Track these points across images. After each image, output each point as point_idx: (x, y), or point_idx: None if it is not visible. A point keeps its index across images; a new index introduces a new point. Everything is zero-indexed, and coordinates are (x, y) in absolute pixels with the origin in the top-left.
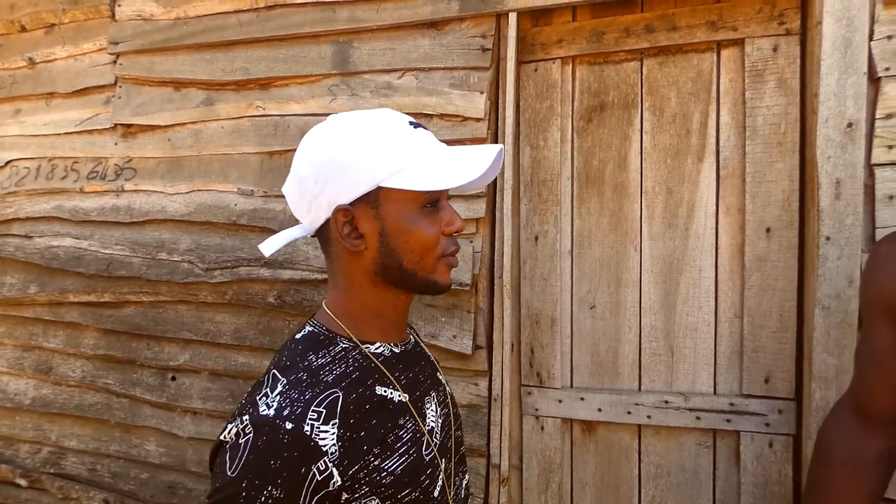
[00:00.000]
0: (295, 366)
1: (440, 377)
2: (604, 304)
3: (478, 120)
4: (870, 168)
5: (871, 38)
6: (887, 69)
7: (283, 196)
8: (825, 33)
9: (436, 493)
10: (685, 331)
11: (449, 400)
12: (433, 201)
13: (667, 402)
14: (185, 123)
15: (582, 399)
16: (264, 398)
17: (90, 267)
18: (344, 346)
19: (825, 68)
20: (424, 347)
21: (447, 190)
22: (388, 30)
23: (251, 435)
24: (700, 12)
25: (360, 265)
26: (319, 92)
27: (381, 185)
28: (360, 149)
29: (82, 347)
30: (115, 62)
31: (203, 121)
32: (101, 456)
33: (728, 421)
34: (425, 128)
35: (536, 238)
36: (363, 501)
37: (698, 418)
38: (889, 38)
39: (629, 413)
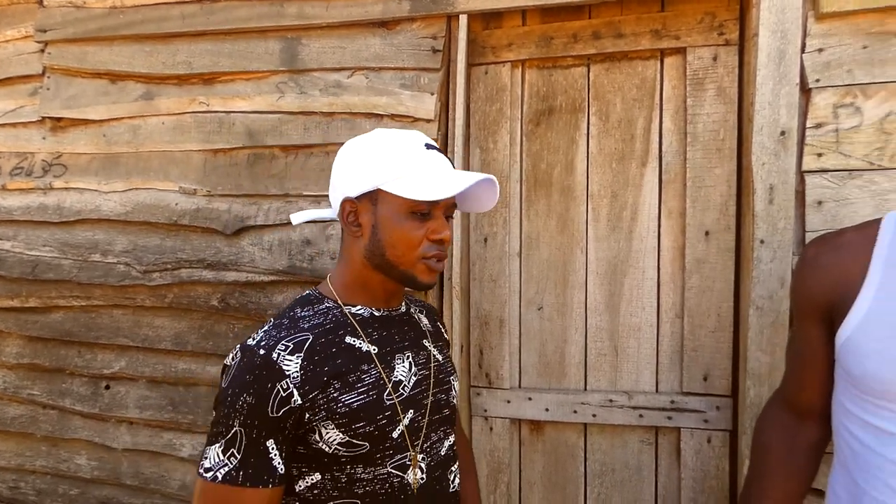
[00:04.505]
0: (283, 315)
1: (426, 344)
2: (551, 306)
3: (428, 121)
4: (801, 175)
5: (803, 51)
6: (818, 80)
7: (228, 195)
8: (761, 45)
9: (395, 435)
10: (629, 331)
11: (433, 365)
12: (423, 211)
13: (611, 400)
14: (121, 118)
15: (530, 399)
16: (254, 335)
17: (13, 270)
18: (328, 305)
19: (760, 78)
20: (422, 319)
21: (443, 205)
22: (339, 28)
23: (238, 358)
24: (645, 21)
25: (357, 248)
26: (267, 89)
27: (380, 187)
28: (372, 156)
29: (4, 356)
30: (42, 51)
31: (142, 116)
32: (24, 472)
33: (669, 418)
34: (440, 150)
35: (486, 240)
36: (322, 424)
37: (641, 416)
38: (820, 50)
39: (575, 412)
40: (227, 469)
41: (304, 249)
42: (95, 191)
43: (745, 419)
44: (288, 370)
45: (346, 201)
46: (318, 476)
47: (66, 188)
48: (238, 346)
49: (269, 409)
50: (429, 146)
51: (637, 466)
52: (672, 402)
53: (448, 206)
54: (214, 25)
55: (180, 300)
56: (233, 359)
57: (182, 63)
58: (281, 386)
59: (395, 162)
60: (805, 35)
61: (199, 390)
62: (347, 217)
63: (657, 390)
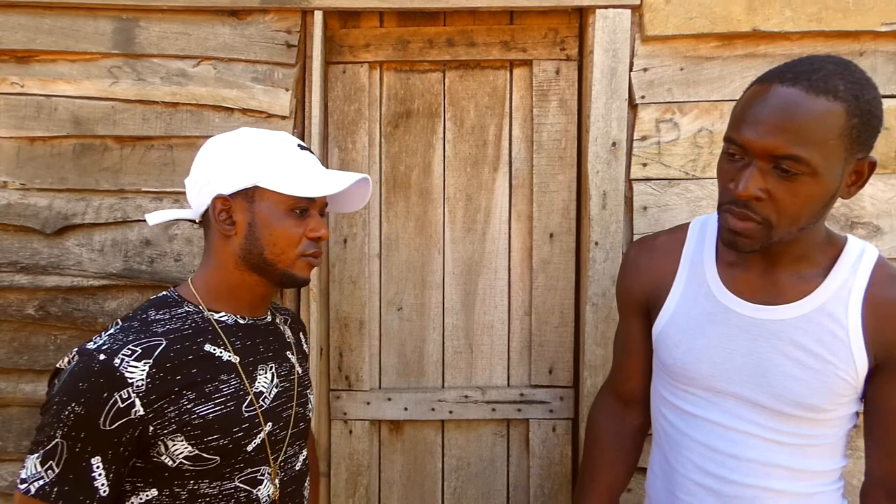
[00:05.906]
0: (134, 317)
1: (289, 356)
2: (410, 306)
3: (283, 118)
4: (629, 182)
5: (631, 69)
6: (643, 97)
7: (49, 190)
8: (595, 62)
9: (249, 448)
10: (483, 329)
11: (295, 378)
12: (302, 209)
13: (466, 396)
14: None
15: (389, 399)
16: (97, 337)
17: None
18: (188, 309)
19: (595, 93)
20: (286, 330)
21: (319, 203)
22: (182, 12)
23: (74, 362)
24: (495, 32)
25: (228, 248)
26: (97, 72)
27: (258, 184)
28: (249, 152)
29: None
30: None
31: None
32: None
33: (519, 410)
34: (311, 151)
35: (345, 241)
36: (170, 437)
37: (494, 410)
38: (645, 70)
39: (433, 410)
40: (41, 483)
41: (143, 251)
42: None
43: (584, 407)
44: (131, 378)
45: (218, 199)
46: (154, 492)
47: None
48: (76, 348)
49: (102, 422)
50: (301, 146)
51: (490, 458)
52: (521, 394)
53: (321, 206)
54: None
55: None
56: (68, 362)
57: None
58: (119, 396)
59: (274, 160)
60: (633, 55)
61: (10, 412)
62: (219, 215)
63: (508, 384)
